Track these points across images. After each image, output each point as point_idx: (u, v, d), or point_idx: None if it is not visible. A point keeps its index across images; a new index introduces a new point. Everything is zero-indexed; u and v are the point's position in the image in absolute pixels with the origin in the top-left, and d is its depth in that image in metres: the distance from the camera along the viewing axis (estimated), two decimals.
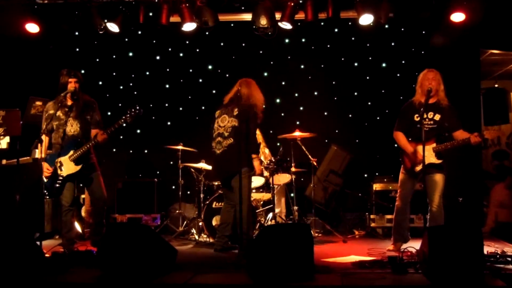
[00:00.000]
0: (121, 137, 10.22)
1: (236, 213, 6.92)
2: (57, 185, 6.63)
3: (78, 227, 8.17)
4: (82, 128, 6.76)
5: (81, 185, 7.16)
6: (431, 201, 6.46)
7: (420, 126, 6.29)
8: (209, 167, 8.07)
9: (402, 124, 6.79)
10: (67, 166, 6.63)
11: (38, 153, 7.44)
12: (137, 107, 6.57)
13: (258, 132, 8.19)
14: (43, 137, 6.65)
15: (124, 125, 6.62)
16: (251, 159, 6.84)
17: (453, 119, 6.52)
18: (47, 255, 5.89)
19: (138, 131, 10.24)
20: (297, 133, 8.13)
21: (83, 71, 6.92)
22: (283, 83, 10.24)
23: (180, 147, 8.40)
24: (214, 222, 7.59)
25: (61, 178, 6.63)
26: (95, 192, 6.94)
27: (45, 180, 6.65)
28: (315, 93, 10.15)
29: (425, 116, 6.42)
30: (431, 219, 6.45)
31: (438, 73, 6.58)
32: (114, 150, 10.17)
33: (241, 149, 6.62)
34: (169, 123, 10.16)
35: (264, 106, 7.11)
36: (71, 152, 6.61)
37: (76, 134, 6.72)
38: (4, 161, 7.55)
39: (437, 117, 6.52)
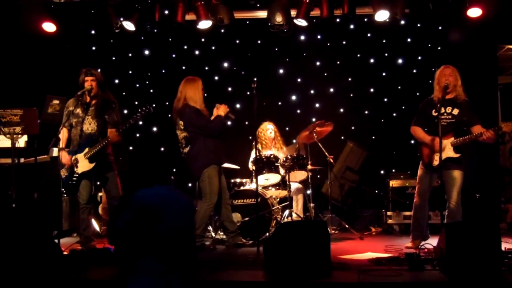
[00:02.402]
0: (138, 135, 10.27)
1: (222, 209, 7.18)
2: (73, 182, 6.69)
3: (95, 224, 8.23)
4: (99, 127, 6.80)
5: (98, 183, 7.20)
6: (449, 198, 6.42)
7: (437, 121, 6.26)
8: (227, 165, 8.11)
9: (420, 119, 6.78)
10: (82, 163, 6.68)
11: (55, 152, 7.49)
12: (148, 106, 6.62)
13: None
14: (63, 130, 6.73)
15: (134, 123, 6.66)
16: (214, 152, 7.01)
17: (471, 114, 6.48)
18: (65, 252, 5.94)
19: (155, 129, 10.29)
20: (316, 128, 8.09)
21: (99, 70, 6.95)
22: (299, 80, 10.25)
23: None
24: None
25: (76, 175, 6.69)
26: (110, 191, 6.98)
27: (62, 176, 6.72)
28: (331, 90, 10.15)
29: (442, 110, 6.39)
30: (449, 216, 6.42)
31: (455, 69, 6.56)
32: (131, 148, 10.23)
33: (199, 149, 6.93)
34: None
35: (200, 98, 7.10)
36: (87, 150, 6.66)
37: (93, 132, 6.76)
38: (22, 160, 7.61)
39: (455, 111, 6.49)
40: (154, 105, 6.68)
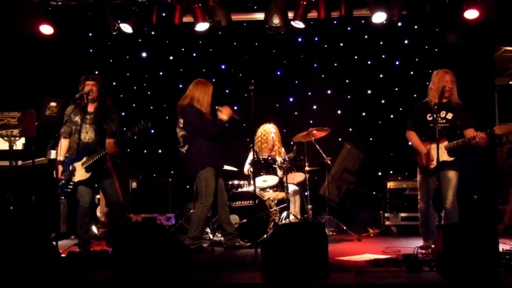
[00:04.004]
0: (135, 137, 10.25)
1: (220, 211, 7.17)
2: (68, 190, 6.69)
3: (93, 227, 8.22)
4: (97, 135, 6.80)
5: (95, 185, 7.20)
6: (445, 199, 6.44)
7: (433, 125, 6.28)
8: (225, 166, 8.11)
9: (415, 123, 6.79)
10: (79, 172, 6.68)
11: (53, 154, 7.49)
12: (146, 121, 6.60)
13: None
14: (63, 141, 6.75)
15: (131, 136, 6.64)
16: (212, 154, 6.97)
17: (465, 118, 6.50)
18: (63, 255, 5.93)
19: (152, 131, 10.28)
20: (314, 131, 8.09)
21: (96, 72, 6.95)
22: (296, 82, 10.25)
23: None
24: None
25: (72, 183, 6.68)
26: (110, 196, 6.97)
27: (60, 183, 6.72)
28: (328, 92, 10.15)
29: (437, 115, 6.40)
30: (445, 217, 6.43)
31: (453, 75, 6.56)
32: (129, 150, 10.21)
33: (197, 150, 6.90)
34: None
35: (208, 102, 7.05)
36: (84, 159, 6.67)
37: (90, 141, 6.77)
38: (20, 162, 7.60)
39: (450, 116, 6.51)
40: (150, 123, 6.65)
